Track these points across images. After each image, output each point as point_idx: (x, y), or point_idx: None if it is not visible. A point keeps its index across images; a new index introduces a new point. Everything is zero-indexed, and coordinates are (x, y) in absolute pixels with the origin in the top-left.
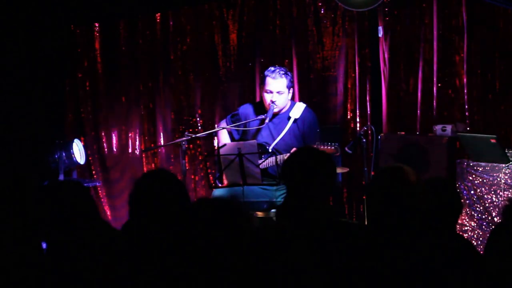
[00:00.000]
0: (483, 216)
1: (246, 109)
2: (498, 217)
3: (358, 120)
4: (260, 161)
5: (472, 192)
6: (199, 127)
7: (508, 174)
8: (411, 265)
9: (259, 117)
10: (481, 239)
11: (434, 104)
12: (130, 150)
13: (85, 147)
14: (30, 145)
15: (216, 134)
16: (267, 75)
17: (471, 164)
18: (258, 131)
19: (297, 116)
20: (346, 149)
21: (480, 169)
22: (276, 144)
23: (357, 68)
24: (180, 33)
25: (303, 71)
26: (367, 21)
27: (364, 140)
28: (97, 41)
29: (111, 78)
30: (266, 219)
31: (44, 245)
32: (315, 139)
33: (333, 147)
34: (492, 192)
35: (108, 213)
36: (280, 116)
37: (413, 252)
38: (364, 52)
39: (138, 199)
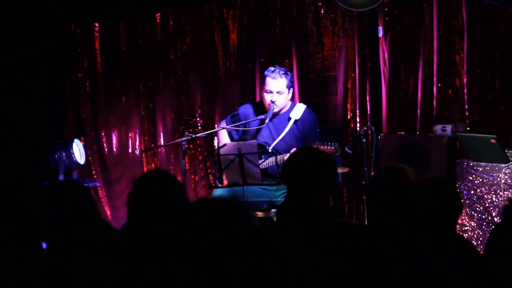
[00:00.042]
0: (483, 216)
1: (246, 109)
2: (498, 217)
3: (358, 120)
4: (260, 161)
5: (472, 192)
6: (199, 127)
7: (508, 174)
8: (411, 265)
9: (259, 117)
10: (481, 239)
11: (434, 104)
12: (130, 150)
13: (85, 147)
14: (30, 145)
15: (216, 134)
16: (267, 75)
17: (471, 164)
18: (258, 131)
19: (298, 117)
20: (346, 149)
21: (480, 169)
22: (276, 144)
23: (357, 68)
24: (180, 33)
25: (303, 71)
26: (367, 21)
27: (364, 140)
28: (97, 41)
29: (111, 78)
30: (266, 219)
31: (44, 245)
32: (315, 140)
33: (333, 147)
34: (492, 192)
35: (108, 213)
36: (280, 117)
37: (413, 252)
38: (364, 52)
39: (136, 199)
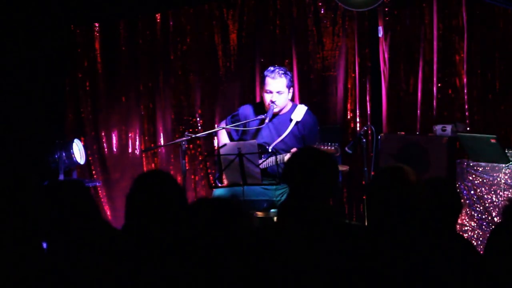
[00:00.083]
0: (483, 216)
1: (246, 110)
2: (498, 217)
3: (358, 120)
4: (260, 161)
5: (472, 192)
6: (199, 127)
7: (508, 174)
8: (411, 265)
9: (258, 117)
10: (481, 239)
11: (434, 104)
12: (130, 150)
13: (85, 147)
14: (30, 145)
15: (216, 134)
16: (266, 75)
17: (471, 164)
18: (258, 131)
19: (299, 119)
20: (346, 149)
21: (480, 169)
22: (276, 144)
23: (357, 68)
24: (180, 33)
25: (303, 71)
26: (367, 21)
27: (364, 140)
28: (97, 41)
29: (111, 78)
30: (266, 219)
31: (44, 245)
32: (315, 141)
33: (333, 147)
34: (492, 192)
35: (108, 213)
36: (281, 117)
37: (413, 252)
38: (364, 52)
39: (135, 200)
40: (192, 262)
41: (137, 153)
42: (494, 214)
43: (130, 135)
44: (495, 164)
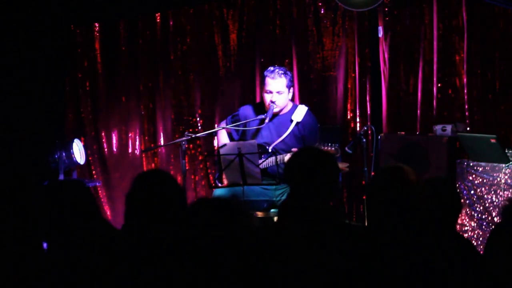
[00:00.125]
0: (483, 216)
1: (246, 110)
2: (498, 217)
3: (358, 120)
4: (260, 161)
5: (472, 192)
6: (199, 127)
7: (508, 174)
8: (411, 265)
9: (258, 117)
10: (481, 239)
11: (434, 104)
12: (130, 150)
13: (85, 147)
14: (30, 145)
15: (216, 134)
16: (266, 75)
17: (471, 164)
18: (258, 131)
19: (299, 120)
20: (346, 149)
21: (480, 169)
22: (276, 145)
23: (357, 68)
24: (180, 33)
25: (303, 71)
26: (367, 21)
27: (364, 140)
28: (97, 41)
29: (111, 78)
30: (266, 219)
31: (45, 245)
32: (315, 142)
33: (333, 148)
34: (492, 192)
35: (108, 213)
36: (281, 117)
37: (413, 252)
38: (364, 52)
39: (135, 199)
40: (192, 262)
41: (137, 153)
42: (494, 214)
43: (130, 135)
44: (495, 164)
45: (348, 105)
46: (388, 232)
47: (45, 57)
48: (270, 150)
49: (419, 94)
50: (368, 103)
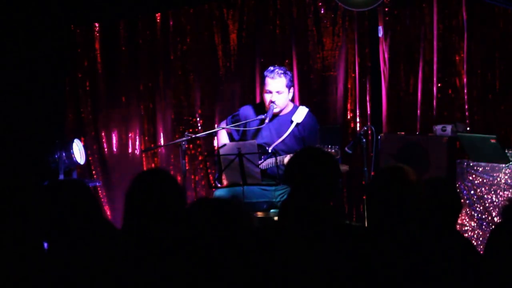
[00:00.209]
0: (483, 216)
1: (247, 111)
2: (498, 217)
3: (358, 120)
4: (260, 161)
5: (472, 192)
6: (199, 127)
7: (508, 174)
8: (411, 265)
9: (259, 117)
10: (481, 239)
11: (434, 104)
12: (130, 150)
13: (85, 147)
14: (30, 145)
15: (216, 134)
16: (266, 76)
17: (471, 164)
18: (258, 131)
19: (300, 121)
20: (346, 149)
21: (480, 169)
22: (276, 145)
23: (357, 68)
24: (180, 33)
25: (303, 71)
26: (367, 21)
27: (364, 140)
28: (97, 41)
29: (111, 78)
30: (266, 219)
31: (45, 245)
32: (315, 143)
33: (333, 150)
34: (492, 192)
35: (108, 213)
36: (282, 118)
37: (413, 252)
38: (364, 52)
39: (134, 197)
40: (192, 262)
41: (137, 153)
42: (494, 214)
43: (130, 135)
44: (495, 164)
45: (348, 105)
46: (388, 232)
47: (45, 57)
48: (270, 151)
49: (419, 94)
50: (368, 103)
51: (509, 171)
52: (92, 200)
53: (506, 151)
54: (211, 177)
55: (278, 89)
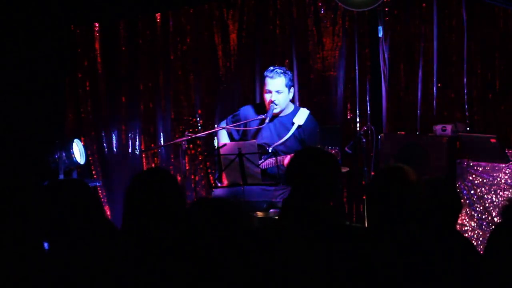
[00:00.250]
0: (483, 216)
1: (247, 111)
2: (498, 217)
3: (358, 120)
4: (260, 161)
5: (472, 192)
6: (199, 127)
7: (508, 174)
8: (411, 265)
9: (259, 117)
10: (481, 239)
11: (434, 104)
12: (130, 150)
13: (85, 147)
14: (30, 145)
15: (216, 134)
16: (266, 75)
17: (471, 164)
18: (258, 131)
19: (301, 123)
20: (346, 149)
21: (480, 169)
22: (276, 146)
23: (357, 68)
24: (180, 33)
25: (303, 71)
26: (367, 21)
27: (364, 140)
28: (97, 41)
29: (111, 78)
30: (266, 219)
31: (46, 245)
32: (315, 145)
33: (333, 151)
34: (492, 192)
35: (108, 213)
36: (282, 119)
37: (413, 252)
38: (364, 52)
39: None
40: (192, 262)
41: (137, 153)
42: (494, 214)
43: (130, 135)
44: (495, 164)
45: (348, 105)
46: (388, 232)
47: (45, 57)
48: (270, 151)
49: (419, 94)
50: (368, 103)
51: (509, 171)
52: (92, 199)
53: (506, 151)
54: (211, 177)
55: (278, 89)
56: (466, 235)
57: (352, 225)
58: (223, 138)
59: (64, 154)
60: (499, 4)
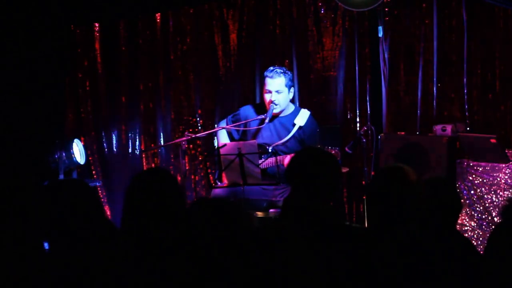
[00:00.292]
0: (483, 216)
1: (247, 111)
2: (498, 217)
3: (358, 120)
4: (260, 161)
5: (472, 192)
6: (199, 127)
7: (508, 174)
8: (411, 265)
9: (259, 117)
10: (481, 239)
11: (434, 104)
12: (130, 150)
13: (85, 147)
14: (30, 145)
15: (216, 134)
16: (265, 75)
17: (471, 164)
18: (258, 131)
19: (302, 124)
20: (346, 149)
21: (480, 169)
22: (276, 147)
23: (357, 68)
24: (180, 33)
25: (303, 71)
26: (367, 21)
27: (364, 140)
28: (97, 41)
29: (111, 78)
30: (266, 219)
31: (46, 245)
32: (315, 145)
33: (333, 151)
34: (492, 192)
35: (108, 213)
36: (283, 119)
37: (413, 252)
38: (364, 52)
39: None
40: (192, 262)
41: (137, 153)
42: (494, 214)
43: (130, 135)
44: (495, 164)
45: (348, 105)
46: (388, 232)
47: (45, 57)
48: (270, 150)
49: (419, 94)
50: (368, 103)
51: (509, 171)
52: (92, 199)
53: (506, 151)
54: (211, 177)
55: (278, 88)
56: (466, 235)
57: (352, 225)
58: (223, 137)
59: (64, 154)
60: (499, 4)
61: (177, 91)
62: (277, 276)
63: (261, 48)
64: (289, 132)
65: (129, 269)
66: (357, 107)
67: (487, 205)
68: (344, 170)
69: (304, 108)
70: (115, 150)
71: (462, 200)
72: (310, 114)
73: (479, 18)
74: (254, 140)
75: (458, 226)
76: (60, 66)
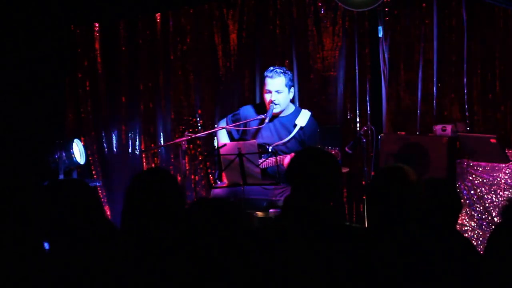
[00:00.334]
0: (483, 216)
1: (247, 111)
2: (498, 217)
3: (358, 120)
4: (260, 161)
5: (472, 192)
6: (199, 127)
7: (508, 174)
8: (411, 265)
9: (259, 116)
10: (481, 239)
11: (434, 104)
12: (130, 150)
13: (85, 147)
14: (30, 145)
15: (216, 134)
16: (265, 75)
17: (471, 164)
18: (258, 131)
19: (303, 125)
20: (346, 149)
21: (480, 169)
22: (277, 147)
23: (357, 68)
24: (180, 33)
25: (303, 71)
26: (367, 21)
27: (364, 140)
28: (97, 41)
29: (111, 78)
30: (266, 219)
31: (46, 245)
32: (315, 145)
33: (333, 151)
34: (492, 192)
35: (108, 213)
36: (283, 120)
37: (413, 252)
38: (364, 52)
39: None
40: (192, 262)
41: (137, 153)
42: (494, 214)
43: (130, 135)
44: (495, 164)
45: (348, 105)
46: (388, 232)
47: (45, 57)
48: (270, 150)
49: (419, 94)
50: (368, 103)
51: (509, 171)
52: (92, 199)
53: (506, 151)
54: (211, 177)
55: (278, 88)
56: (466, 235)
57: (352, 225)
58: (222, 137)
59: (64, 154)
60: (499, 4)
61: (177, 91)
62: (277, 276)
63: (261, 48)
64: (289, 132)
65: (129, 269)
66: (357, 107)
67: (487, 205)
68: (344, 170)
69: (304, 108)
70: (115, 150)
71: (462, 200)
72: (311, 115)
73: (479, 18)
74: (254, 140)
75: (458, 226)
76: (60, 66)
